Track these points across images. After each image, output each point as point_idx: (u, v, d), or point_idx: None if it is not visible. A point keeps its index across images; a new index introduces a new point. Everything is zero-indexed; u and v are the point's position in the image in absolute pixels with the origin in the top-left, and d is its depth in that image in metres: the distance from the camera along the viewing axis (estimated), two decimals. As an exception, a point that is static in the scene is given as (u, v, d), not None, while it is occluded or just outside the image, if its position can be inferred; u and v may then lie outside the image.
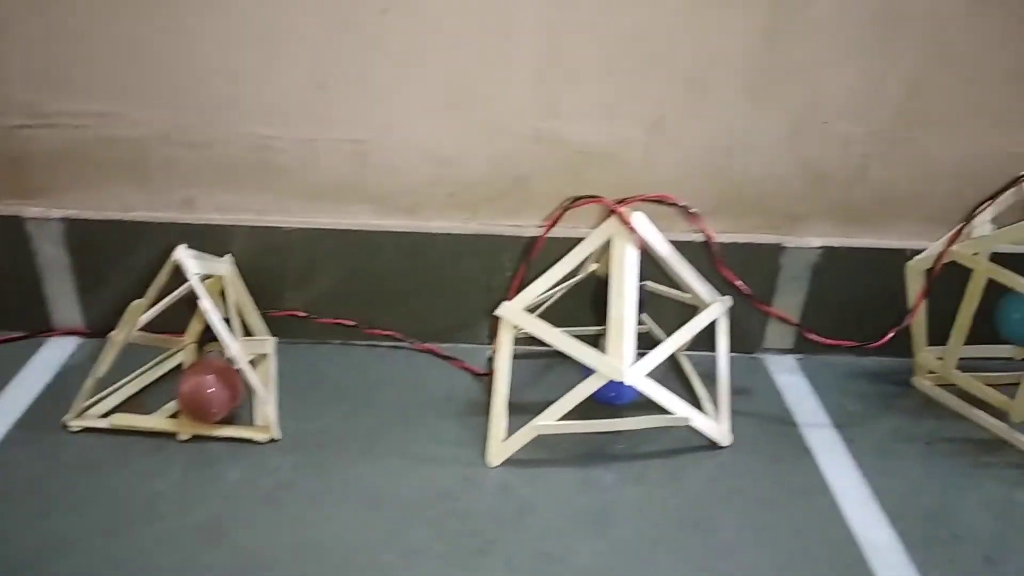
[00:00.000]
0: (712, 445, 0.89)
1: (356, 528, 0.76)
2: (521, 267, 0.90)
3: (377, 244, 0.98)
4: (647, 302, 0.98)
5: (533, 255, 0.87)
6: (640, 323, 0.98)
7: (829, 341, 0.94)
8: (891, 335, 0.92)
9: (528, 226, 0.97)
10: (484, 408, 0.90)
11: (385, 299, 1.01)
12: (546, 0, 0.86)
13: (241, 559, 0.72)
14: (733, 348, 0.99)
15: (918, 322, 0.97)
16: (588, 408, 0.84)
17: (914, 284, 0.95)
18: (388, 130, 0.93)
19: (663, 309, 1.00)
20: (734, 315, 0.93)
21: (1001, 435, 0.93)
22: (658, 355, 0.83)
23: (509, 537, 0.76)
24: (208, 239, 0.95)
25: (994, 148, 0.95)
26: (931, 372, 0.99)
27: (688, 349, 1.01)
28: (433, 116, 0.93)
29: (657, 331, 1.01)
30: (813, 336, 0.93)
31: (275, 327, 1.00)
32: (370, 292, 1.01)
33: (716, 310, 0.88)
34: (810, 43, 0.89)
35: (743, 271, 0.99)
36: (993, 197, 0.90)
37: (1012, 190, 0.91)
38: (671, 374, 1.01)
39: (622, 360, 0.79)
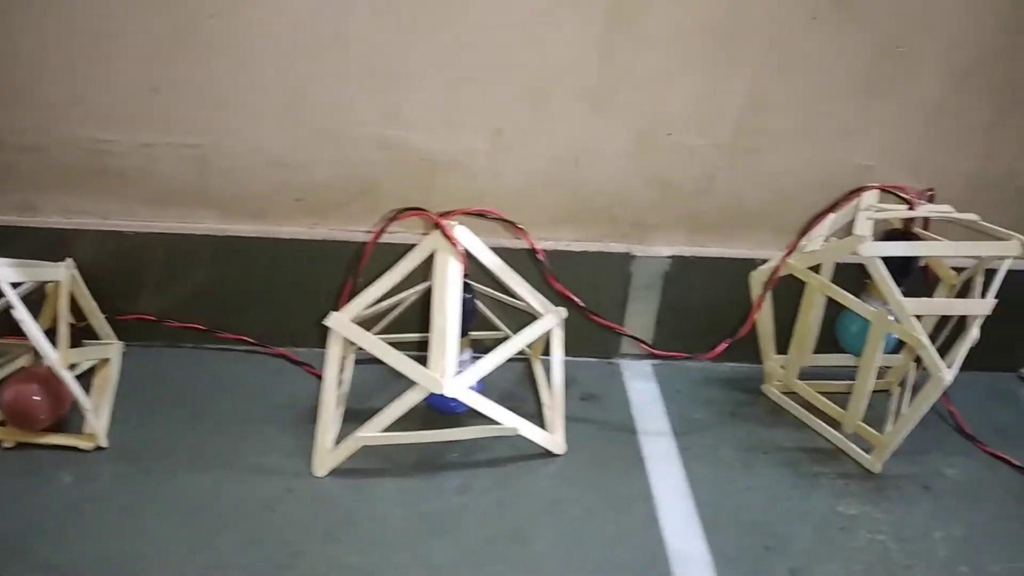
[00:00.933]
0: (548, 454, 0.90)
1: (164, 541, 0.76)
2: (349, 277, 0.89)
3: (226, 249, 0.97)
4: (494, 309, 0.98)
5: (361, 265, 0.87)
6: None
7: (661, 352, 0.95)
8: (724, 347, 0.93)
9: (400, 232, 0.96)
10: (321, 416, 0.90)
11: (238, 303, 1.01)
12: (380, 7, 0.85)
13: (39, 572, 0.72)
14: (591, 354, 1.00)
15: (765, 331, 0.98)
16: (429, 416, 0.84)
17: (758, 294, 0.96)
18: (228, 135, 0.92)
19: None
20: (580, 325, 0.94)
21: (837, 445, 0.94)
22: (482, 366, 0.83)
23: (318, 550, 0.76)
24: (52, 243, 0.94)
25: (841, 160, 0.96)
26: (778, 381, 1.01)
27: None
28: (274, 121, 0.92)
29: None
30: (644, 346, 0.94)
31: (127, 331, 0.99)
32: (223, 296, 1.00)
33: (549, 321, 0.88)
34: (647, 56, 0.89)
35: (594, 279, 1.00)
36: (828, 210, 0.91)
37: (852, 203, 0.92)
38: (526, 381, 1.01)
39: (443, 372, 0.79)
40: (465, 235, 0.81)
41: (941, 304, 0.85)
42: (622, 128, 0.93)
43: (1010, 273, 1.00)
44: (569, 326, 0.93)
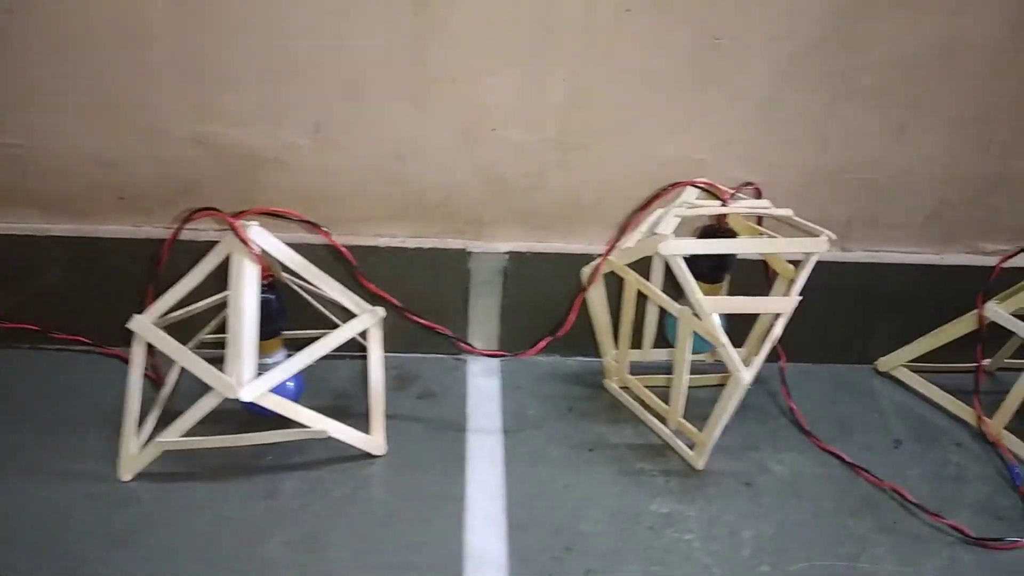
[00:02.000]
0: (369, 455, 0.89)
1: (-53, 551, 0.75)
2: (151, 278, 0.87)
3: (55, 249, 0.96)
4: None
5: (159, 267, 0.85)
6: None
7: (484, 352, 0.94)
8: (544, 343, 0.93)
9: (207, 230, 0.95)
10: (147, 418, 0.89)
11: (74, 304, 0.99)
12: (183, 1, 0.83)
13: None
14: (440, 350, 0.99)
15: (601, 326, 0.98)
16: (245, 419, 0.84)
17: (592, 289, 0.95)
18: (47, 134, 0.90)
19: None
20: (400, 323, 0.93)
21: (667, 441, 0.94)
22: (284, 369, 0.82)
23: (105, 558, 0.75)
24: None
25: (672, 155, 0.94)
26: (617, 376, 1.00)
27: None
28: (91, 119, 0.90)
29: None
30: (465, 345, 0.93)
31: (-42, 332, 0.98)
32: (57, 297, 0.98)
33: (365, 320, 0.87)
34: (461, 49, 0.87)
35: (433, 276, 0.99)
36: (643, 207, 0.90)
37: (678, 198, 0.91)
38: (359, 380, 1.00)
39: (239, 377, 0.78)
40: (261, 235, 0.80)
41: (742, 302, 0.84)
42: (444, 123, 0.91)
43: (867, 265, 1.01)
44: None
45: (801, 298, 0.83)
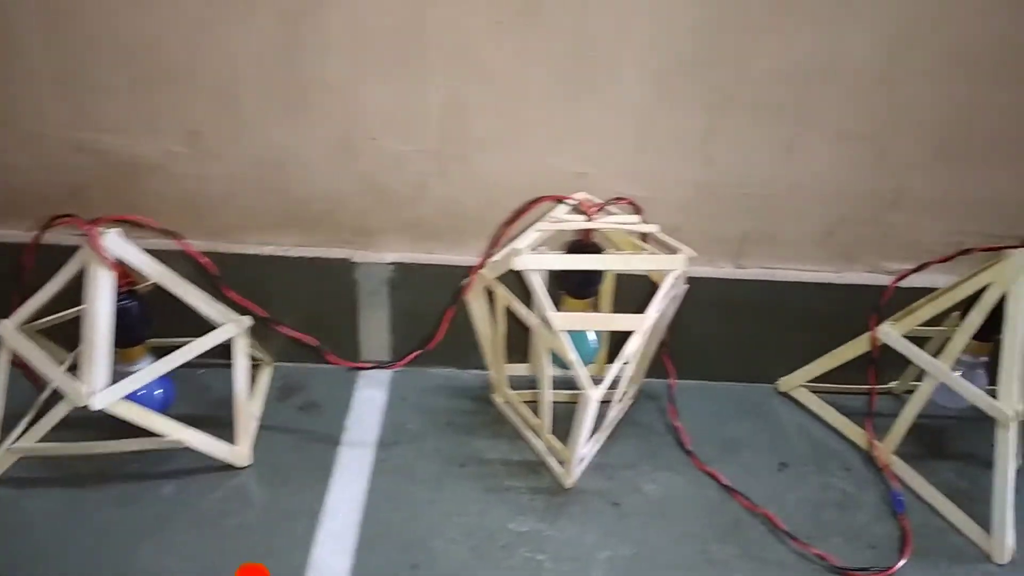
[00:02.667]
0: (233, 467, 0.89)
1: None
2: (17, 284, 0.87)
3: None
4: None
5: (23, 274, 0.86)
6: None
7: (351, 364, 0.93)
8: (414, 356, 0.92)
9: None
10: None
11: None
12: (47, 4, 0.84)
13: None
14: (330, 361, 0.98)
15: (486, 338, 0.97)
16: (125, 426, 0.84)
17: (473, 302, 0.94)
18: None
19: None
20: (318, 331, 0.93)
21: (541, 457, 0.93)
22: (137, 379, 0.82)
23: (-59, 564, 0.76)
24: None
25: (553, 167, 0.93)
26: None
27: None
28: (-26, 124, 0.91)
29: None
30: (332, 357, 0.92)
31: None
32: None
33: (229, 330, 0.87)
34: (335, 59, 0.87)
35: (320, 286, 0.99)
36: (510, 221, 0.89)
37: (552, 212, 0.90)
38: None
39: (91, 385, 0.78)
40: (116, 243, 0.80)
41: (594, 319, 0.83)
42: (322, 132, 0.91)
43: (764, 283, 0.99)
44: (309, 333, 0.93)
45: (657, 315, 0.81)
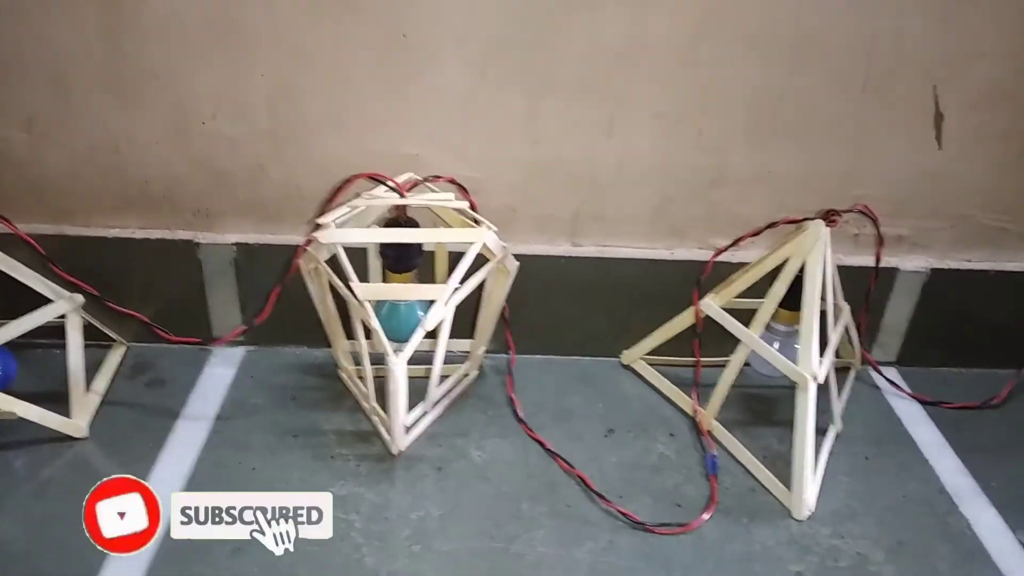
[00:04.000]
0: (71, 438, 0.91)
1: None
2: None
3: None
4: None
5: None
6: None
7: (181, 340, 0.96)
8: (238, 331, 0.95)
9: None
10: None
11: None
12: None
13: None
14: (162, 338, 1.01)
15: (329, 316, 1.00)
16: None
17: (309, 280, 0.97)
18: None
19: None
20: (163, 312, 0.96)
21: (378, 428, 0.96)
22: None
23: None
24: None
25: (384, 149, 0.97)
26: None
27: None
28: None
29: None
30: (161, 332, 0.95)
31: None
32: None
33: (61, 307, 0.90)
34: (156, 45, 0.90)
35: (165, 267, 1.02)
36: (329, 200, 0.93)
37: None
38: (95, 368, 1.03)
39: None
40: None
41: (396, 289, 0.86)
42: (154, 117, 0.94)
43: (599, 260, 1.03)
44: (160, 313, 0.97)
45: (458, 287, 0.85)
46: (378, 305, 0.94)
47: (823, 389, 0.91)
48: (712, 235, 1.04)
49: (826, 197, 1.01)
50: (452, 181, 0.95)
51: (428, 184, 0.93)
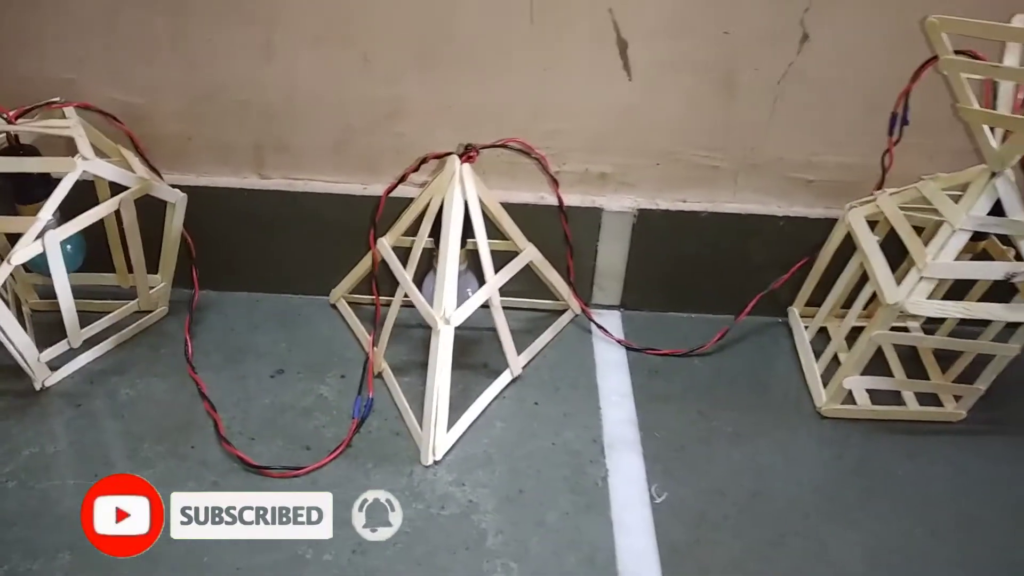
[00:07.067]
0: None
1: None
2: None
3: None
4: None
5: None
6: None
7: None
8: None
9: None
10: None
11: None
12: None
13: None
14: None
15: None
16: None
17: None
18: None
19: None
20: None
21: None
22: None
23: None
24: None
25: (35, 73, 0.92)
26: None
27: None
28: None
29: None
30: None
31: None
32: None
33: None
34: None
35: None
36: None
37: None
38: None
39: None
40: None
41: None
42: None
43: (285, 194, 1.00)
44: None
45: (52, 217, 0.81)
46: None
47: (519, 332, 0.87)
48: (403, 170, 0.99)
49: (515, 130, 0.95)
50: (87, 106, 0.90)
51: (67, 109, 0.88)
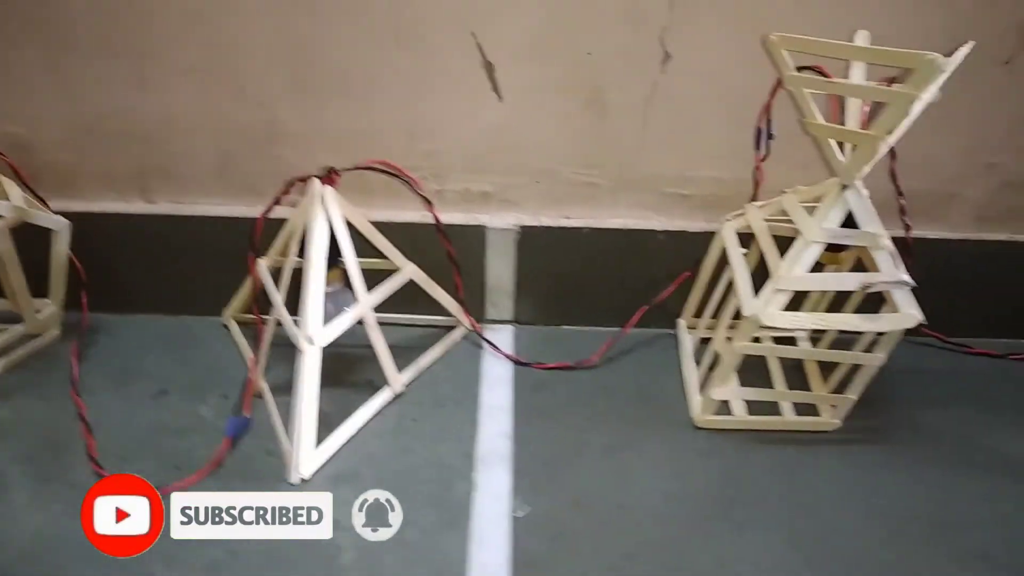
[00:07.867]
0: None
1: None
2: None
3: None
4: None
5: None
6: None
7: None
8: None
9: None
10: None
11: None
12: None
13: None
14: None
15: None
16: None
17: None
18: None
19: None
20: None
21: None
22: None
23: None
24: None
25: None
26: None
27: None
28: None
29: None
30: None
31: None
32: None
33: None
34: None
35: None
36: None
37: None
38: None
39: None
40: None
41: None
42: None
43: (177, 218, 0.97)
44: None
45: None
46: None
47: (409, 349, 0.88)
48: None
49: (394, 151, 0.96)
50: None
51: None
